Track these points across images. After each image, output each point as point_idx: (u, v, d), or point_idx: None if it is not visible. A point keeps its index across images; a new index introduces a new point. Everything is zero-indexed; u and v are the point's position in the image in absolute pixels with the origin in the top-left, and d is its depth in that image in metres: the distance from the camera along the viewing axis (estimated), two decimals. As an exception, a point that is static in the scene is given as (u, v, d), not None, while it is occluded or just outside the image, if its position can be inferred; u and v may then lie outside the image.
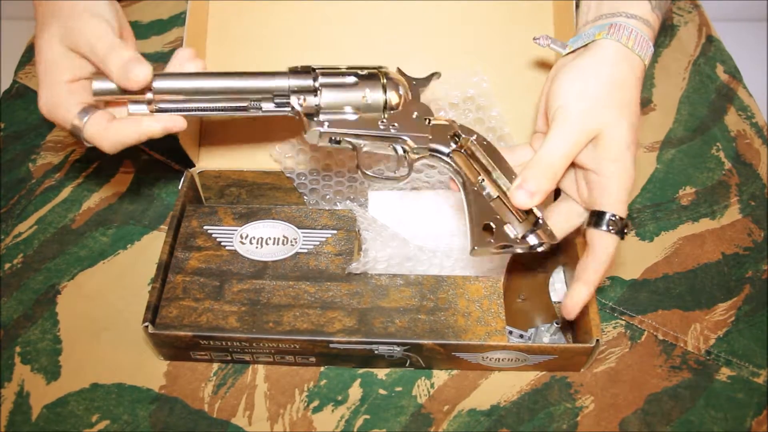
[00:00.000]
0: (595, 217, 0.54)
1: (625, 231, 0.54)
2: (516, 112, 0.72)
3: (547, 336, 0.62)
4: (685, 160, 0.79)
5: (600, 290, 0.68)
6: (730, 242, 0.72)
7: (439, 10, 0.74)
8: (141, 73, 0.52)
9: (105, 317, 0.66)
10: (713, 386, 0.62)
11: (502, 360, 0.60)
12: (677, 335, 0.65)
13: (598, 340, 0.57)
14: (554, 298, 0.66)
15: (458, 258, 0.65)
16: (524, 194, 0.52)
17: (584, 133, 0.52)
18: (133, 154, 0.80)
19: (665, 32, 0.92)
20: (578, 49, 0.57)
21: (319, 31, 0.74)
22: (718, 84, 0.86)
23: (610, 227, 0.53)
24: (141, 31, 0.92)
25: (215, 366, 0.63)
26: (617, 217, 0.53)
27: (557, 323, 0.62)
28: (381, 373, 0.63)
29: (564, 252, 0.68)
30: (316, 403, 0.61)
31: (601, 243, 0.54)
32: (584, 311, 0.59)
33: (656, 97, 0.85)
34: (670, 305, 0.67)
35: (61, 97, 0.54)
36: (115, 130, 0.54)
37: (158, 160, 0.79)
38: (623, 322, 0.66)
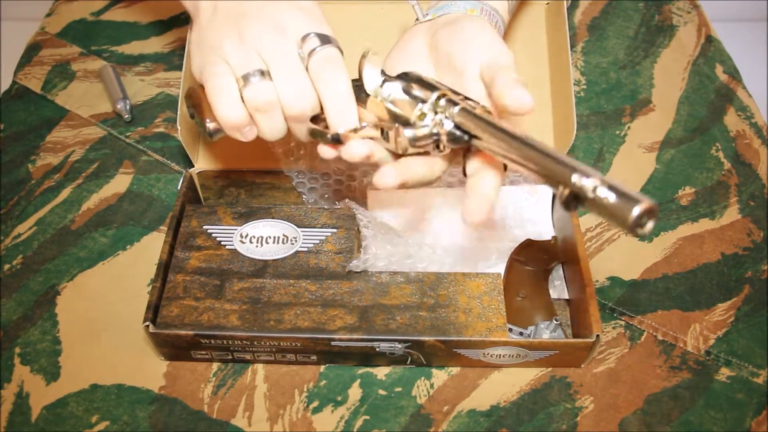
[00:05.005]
0: None
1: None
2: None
3: (546, 333, 0.62)
4: (684, 161, 0.79)
5: (599, 290, 0.68)
6: (729, 242, 0.72)
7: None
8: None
9: (104, 318, 0.66)
10: (713, 386, 0.62)
11: (503, 356, 0.60)
12: (677, 335, 0.65)
13: (598, 335, 0.57)
14: (554, 295, 0.66)
15: (458, 255, 0.65)
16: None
17: None
18: (132, 154, 0.80)
19: (664, 32, 0.92)
20: (437, 17, 0.56)
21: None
22: (717, 84, 0.87)
23: None
24: (141, 31, 0.93)
25: (215, 366, 0.63)
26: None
27: (557, 321, 0.62)
28: (380, 373, 0.63)
29: (564, 250, 0.68)
30: (315, 403, 0.61)
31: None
32: (584, 308, 0.59)
33: (655, 97, 0.85)
34: (670, 305, 0.67)
35: None
36: None
37: (157, 161, 0.79)
38: (623, 323, 0.66)
